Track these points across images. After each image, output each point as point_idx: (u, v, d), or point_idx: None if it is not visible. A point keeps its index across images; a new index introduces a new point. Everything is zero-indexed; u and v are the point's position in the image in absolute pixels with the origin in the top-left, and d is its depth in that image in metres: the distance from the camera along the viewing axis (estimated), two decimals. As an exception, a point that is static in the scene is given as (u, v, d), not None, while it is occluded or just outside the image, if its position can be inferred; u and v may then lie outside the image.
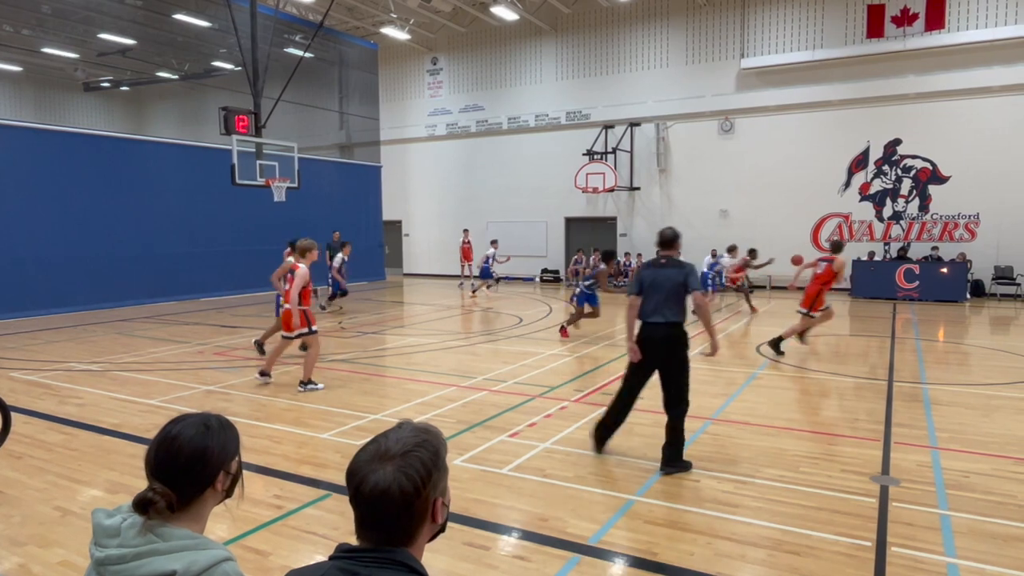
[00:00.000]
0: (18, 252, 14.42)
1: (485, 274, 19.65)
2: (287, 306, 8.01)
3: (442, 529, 1.45)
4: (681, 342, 5.39)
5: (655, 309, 5.35)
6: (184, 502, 1.55)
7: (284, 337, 8.19)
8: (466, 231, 22.93)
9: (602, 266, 11.79)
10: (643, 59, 22.00)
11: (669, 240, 5.65)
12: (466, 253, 22.50)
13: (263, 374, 8.34)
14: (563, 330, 11.81)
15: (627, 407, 5.65)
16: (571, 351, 10.55)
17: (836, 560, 3.84)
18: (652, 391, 7.94)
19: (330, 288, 15.32)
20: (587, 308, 11.85)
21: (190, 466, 1.55)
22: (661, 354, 5.37)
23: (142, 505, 1.49)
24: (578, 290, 12.01)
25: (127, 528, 1.49)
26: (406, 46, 25.47)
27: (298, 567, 1.42)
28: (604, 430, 5.70)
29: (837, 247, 10.33)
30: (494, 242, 20.46)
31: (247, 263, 19.16)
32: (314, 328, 8.13)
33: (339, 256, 14.94)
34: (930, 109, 18.34)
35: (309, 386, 7.95)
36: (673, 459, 5.26)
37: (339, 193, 22.42)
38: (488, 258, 19.73)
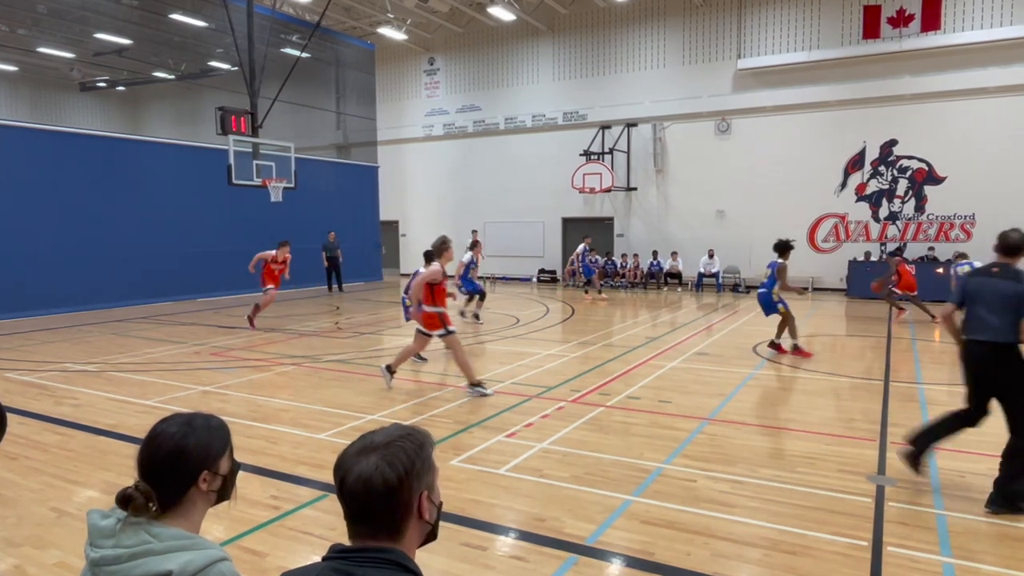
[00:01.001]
0: (13, 252, 14.37)
1: (588, 272, 19.13)
2: (427, 308, 7.84)
3: (433, 535, 1.46)
4: (1007, 364, 4.48)
5: (977, 326, 4.58)
6: (168, 501, 1.54)
7: (422, 333, 8.05)
8: (475, 231, 22.57)
9: (780, 260, 10.13)
10: (640, 60, 22.02)
11: (1013, 246, 4.71)
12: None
13: (389, 369, 8.08)
14: (778, 346, 10.14)
15: (957, 425, 4.89)
16: (569, 351, 10.55)
17: (833, 560, 3.84)
18: (650, 391, 7.90)
19: (463, 290, 13.87)
20: (782, 310, 10.17)
21: (169, 463, 1.55)
22: (985, 376, 4.62)
23: (123, 501, 1.50)
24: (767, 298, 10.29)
25: (122, 528, 1.49)
26: (403, 46, 25.45)
27: (293, 568, 1.41)
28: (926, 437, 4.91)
29: None
30: (586, 238, 19.90)
31: (244, 263, 18.96)
32: (451, 328, 7.91)
33: (468, 255, 14.03)
34: (926, 110, 18.39)
35: (477, 389, 7.67)
36: (1009, 497, 4.42)
37: (336, 193, 22.39)
38: (580, 255, 18.96)
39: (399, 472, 1.34)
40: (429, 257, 8.78)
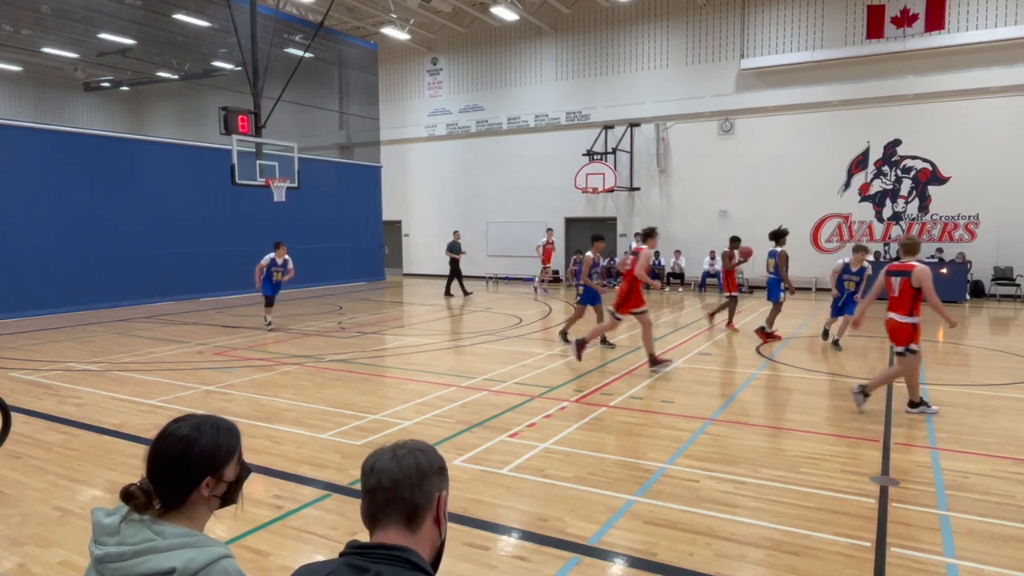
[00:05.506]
0: (17, 252, 14.41)
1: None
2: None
3: (438, 556, 1.49)
4: None
5: None
6: (172, 500, 1.55)
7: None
8: (550, 231, 21.48)
9: (779, 249, 11.45)
10: (643, 59, 22.01)
11: None
12: (548, 255, 20.73)
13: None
14: (770, 334, 11.35)
15: None
16: (571, 351, 10.53)
17: (835, 560, 3.84)
18: (653, 391, 7.92)
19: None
20: (783, 298, 11.66)
21: (172, 464, 1.56)
22: None
23: (126, 497, 1.52)
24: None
25: (126, 526, 1.49)
26: (406, 46, 25.47)
27: (308, 563, 1.43)
28: None
29: None
30: (550, 231, 19.44)
31: (246, 263, 19.00)
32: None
33: (588, 255, 12.32)
34: (930, 110, 18.35)
35: (658, 366, 8.35)
36: None
37: (339, 193, 22.42)
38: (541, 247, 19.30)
39: (432, 460, 1.46)
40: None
